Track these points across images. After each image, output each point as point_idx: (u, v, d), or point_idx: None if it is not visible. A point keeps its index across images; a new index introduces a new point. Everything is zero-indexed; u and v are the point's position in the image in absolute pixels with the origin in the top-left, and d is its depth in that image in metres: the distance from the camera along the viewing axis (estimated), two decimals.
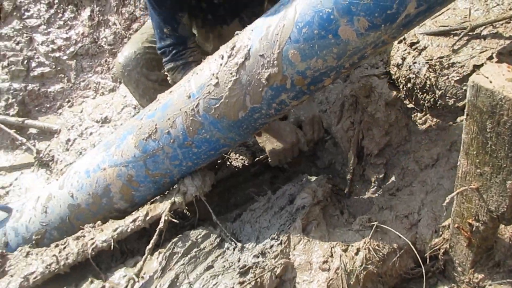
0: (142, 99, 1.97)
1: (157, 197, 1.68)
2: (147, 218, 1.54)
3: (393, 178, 1.64)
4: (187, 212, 1.78)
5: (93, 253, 1.50)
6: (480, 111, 0.88)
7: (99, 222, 1.65)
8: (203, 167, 1.70)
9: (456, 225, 1.18)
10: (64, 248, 1.55)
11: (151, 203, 1.62)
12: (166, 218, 1.49)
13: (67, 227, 1.77)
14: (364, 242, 1.38)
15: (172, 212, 1.53)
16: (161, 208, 1.54)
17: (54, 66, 3.32)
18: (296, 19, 1.19)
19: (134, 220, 1.54)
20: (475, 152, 0.96)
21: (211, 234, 1.55)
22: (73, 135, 2.78)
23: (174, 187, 1.63)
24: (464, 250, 1.22)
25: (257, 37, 1.27)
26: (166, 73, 1.76)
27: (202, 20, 1.86)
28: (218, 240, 1.54)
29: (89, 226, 1.64)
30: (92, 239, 1.54)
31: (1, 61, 3.45)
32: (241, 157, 1.86)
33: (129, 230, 1.53)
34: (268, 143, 1.71)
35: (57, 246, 1.57)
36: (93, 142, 2.69)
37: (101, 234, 1.55)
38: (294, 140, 1.67)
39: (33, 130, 3.19)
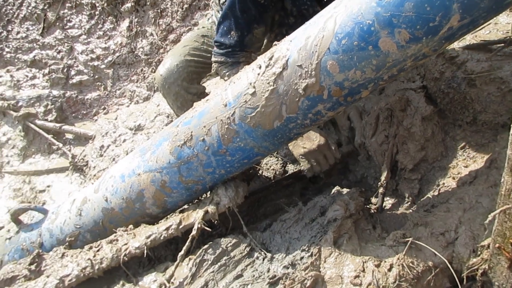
0: (180, 112, 2.00)
1: (187, 206, 1.70)
2: (180, 226, 1.55)
3: (428, 194, 1.60)
4: (215, 221, 1.79)
5: (126, 258, 1.52)
6: None
7: (131, 226, 1.68)
8: (235, 176, 1.72)
9: (497, 245, 1.13)
10: (98, 251, 1.58)
11: (183, 211, 1.64)
12: (199, 225, 1.51)
13: (100, 230, 1.80)
14: (398, 258, 1.34)
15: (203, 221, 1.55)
16: (194, 217, 1.55)
17: (92, 75, 3.45)
18: (336, 30, 1.20)
19: (167, 228, 1.56)
20: None
21: (241, 243, 1.55)
22: (107, 141, 2.86)
23: (206, 195, 1.65)
24: (505, 271, 1.17)
25: (296, 47, 1.28)
26: (212, 60, 1.77)
27: (276, 35, 1.86)
28: (248, 249, 1.53)
29: (122, 229, 1.67)
30: (125, 244, 1.56)
31: (42, 68, 3.61)
32: (272, 167, 1.86)
33: (162, 238, 1.55)
34: (296, 147, 1.71)
35: (91, 248, 1.61)
36: (126, 149, 2.76)
37: (134, 240, 1.56)
38: (321, 142, 1.66)
39: (69, 136, 3.31)
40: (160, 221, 1.82)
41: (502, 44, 1.51)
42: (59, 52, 3.53)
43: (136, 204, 1.69)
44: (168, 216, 1.87)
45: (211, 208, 1.56)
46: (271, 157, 1.90)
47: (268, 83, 1.32)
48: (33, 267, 1.54)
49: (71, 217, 1.86)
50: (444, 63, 1.63)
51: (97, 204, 1.78)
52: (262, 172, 1.86)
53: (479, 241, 1.30)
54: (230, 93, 1.43)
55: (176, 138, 1.56)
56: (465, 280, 1.30)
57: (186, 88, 1.93)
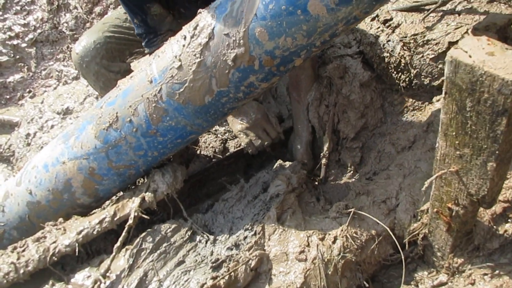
0: (104, 92, 1.84)
1: (123, 193, 1.57)
2: (115, 218, 1.44)
3: (369, 162, 1.59)
4: (154, 208, 1.68)
5: (55, 259, 1.38)
6: (459, 89, 0.82)
7: (61, 220, 1.54)
8: (172, 159, 1.61)
9: (435, 209, 1.13)
10: (23, 251, 1.43)
11: (118, 201, 1.52)
12: (135, 214, 1.40)
13: (27, 226, 1.65)
14: (342, 230, 1.32)
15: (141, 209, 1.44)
16: (130, 207, 1.44)
17: (12, 55, 3.12)
18: None
19: (100, 222, 1.43)
20: (454, 133, 0.90)
21: (182, 228, 1.47)
22: (33, 128, 2.61)
23: (144, 180, 1.53)
24: (444, 234, 1.17)
25: (221, 14, 1.17)
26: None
27: (178, 13, 1.73)
28: (189, 233, 1.46)
29: (51, 224, 1.52)
30: (54, 242, 1.42)
31: None
32: (211, 145, 1.76)
33: (95, 232, 1.42)
34: (234, 123, 1.63)
35: (15, 249, 1.45)
36: (55, 136, 2.54)
37: (64, 237, 1.43)
38: (259, 116, 1.60)
39: None
40: (94, 210, 1.70)
41: (435, 5, 1.49)
42: None
43: (64, 195, 1.55)
44: (103, 206, 1.75)
45: (148, 196, 1.46)
46: (209, 134, 1.80)
47: (195, 55, 1.21)
48: None
49: None
50: (378, 27, 1.59)
51: (21, 198, 1.62)
52: (200, 152, 1.76)
53: (418, 206, 1.30)
54: (155, 68, 1.31)
55: (100, 121, 1.42)
56: (407, 245, 1.31)
57: (107, 66, 1.76)
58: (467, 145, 0.89)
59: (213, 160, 1.78)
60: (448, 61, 0.81)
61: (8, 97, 3.10)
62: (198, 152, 1.75)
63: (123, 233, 1.39)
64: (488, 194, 0.93)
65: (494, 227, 1.15)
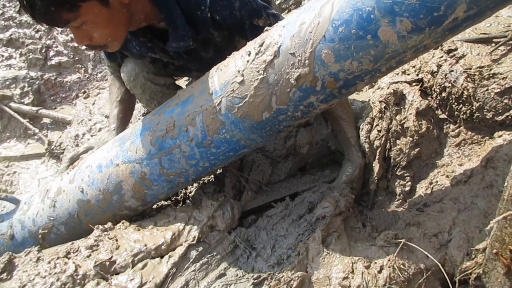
0: (150, 104, 1.90)
1: (180, 209, 1.60)
2: (171, 247, 1.45)
3: (420, 192, 1.55)
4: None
5: (112, 281, 1.38)
6: None
7: (110, 225, 1.56)
8: (226, 192, 1.69)
9: (494, 250, 1.08)
10: (77, 256, 1.45)
11: (173, 221, 1.54)
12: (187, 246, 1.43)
13: (75, 223, 1.70)
14: (389, 260, 1.29)
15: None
16: (186, 238, 1.46)
17: (72, 56, 3.29)
18: (333, 16, 1.11)
19: (156, 248, 1.43)
20: None
21: (225, 240, 1.47)
22: (82, 129, 2.72)
23: (199, 206, 1.56)
24: (500, 277, 1.11)
25: (289, 34, 1.19)
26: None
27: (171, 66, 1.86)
28: (231, 246, 1.46)
29: (100, 229, 1.54)
30: (110, 259, 1.41)
31: (19, 48, 3.43)
32: (260, 167, 1.77)
33: (150, 257, 1.43)
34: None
35: (68, 254, 1.46)
36: (102, 139, 2.63)
37: (119, 256, 1.42)
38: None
39: (46, 120, 3.16)
40: (138, 214, 1.73)
41: (504, 38, 1.45)
42: (37, 31, 3.35)
43: (114, 196, 1.59)
44: (148, 210, 1.78)
45: (203, 233, 1.48)
46: (257, 152, 1.80)
47: (258, 71, 1.23)
48: (4, 275, 1.41)
49: (45, 208, 1.75)
50: (441, 56, 1.56)
51: (72, 196, 1.67)
52: (249, 179, 1.75)
53: (473, 244, 1.25)
54: (217, 81, 1.34)
55: (157, 128, 1.46)
56: (457, 283, 1.25)
57: (153, 79, 1.83)
58: None
59: (265, 189, 1.77)
60: None
61: (63, 95, 3.25)
62: (247, 180, 1.76)
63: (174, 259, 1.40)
64: None
65: None
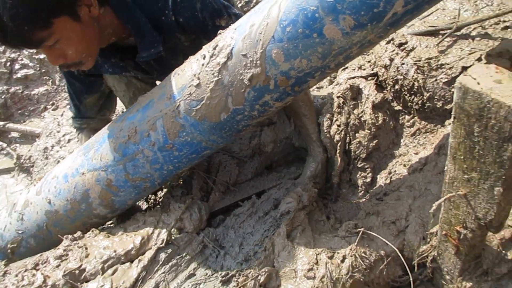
0: (132, 104, 1.91)
1: (148, 214, 1.61)
2: (140, 251, 1.46)
3: (380, 183, 1.60)
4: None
5: (80, 285, 1.39)
6: (468, 114, 0.84)
7: (79, 234, 1.56)
8: (194, 194, 1.72)
9: (444, 232, 1.14)
10: (45, 267, 1.45)
11: (142, 226, 1.55)
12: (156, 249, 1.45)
13: (44, 234, 1.70)
14: (350, 249, 1.33)
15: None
16: (155, 241, 1.48)
17: (38, 68, 3.25)
18: (280, 17, 1.15)
19: (126, 253, 1.44)
20: (462, 157, 0.92)
21: (193, 241, 1.49)
22: (51, 142, 2.69)
23: (168, 209, 1.58)
24: (452, 257, 1.18)
25: (240, 36, 1.22)
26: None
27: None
28: (200, 246, 1.48)
29: (70, 238, 1.54)
30: (79, 268, 1.42)
31: None
32: (227, 168, 1.80)
33: (120, 262, 1.44)
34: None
35: (37, 266, 1.46)
36: (71, 150, 2.61)
37: (89, 263, 1.43)
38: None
39: (15, 134, 3.11)
40: (108, 221, 1.74)
41: (449, 30, 1.52)
42: (0, 45, 3.30)
43: (82, 205, 1.60)
44: (117, 217, 1.79)
45: (174, 233, 1.50)
46: (224, 153, 1.83)
47: (213, 74, 1.26)
48: None
49: (12, 222, 1.74)
50: (393, 50, 1.62)
51: (40, 207, 1.67)
52: (216, 181, 1.78)
53: (428, 228, 1.31)
54: (175, 85, 1.36)
55: (120, 134, 1.48)
56: (416, 267, 1.31)
57: (137, 78, 1.83)
58: (474, 169, 0.91)
59: (233, 189, 1.80)
60: (457, 87, 0.84)
61: (31, 108, 3.21)
62: (214, 181, 1.79)
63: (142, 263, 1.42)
64: (495, 219, 0.94)
65: (503, 252, 1.15)
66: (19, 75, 3.26)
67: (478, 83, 0.80)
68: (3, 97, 3.20)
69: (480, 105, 0.80)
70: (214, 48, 1.28)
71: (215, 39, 1.32)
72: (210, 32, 1.50)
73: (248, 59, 1.21)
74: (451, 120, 0.88)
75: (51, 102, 3.19)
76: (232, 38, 1.25)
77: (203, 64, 1.30)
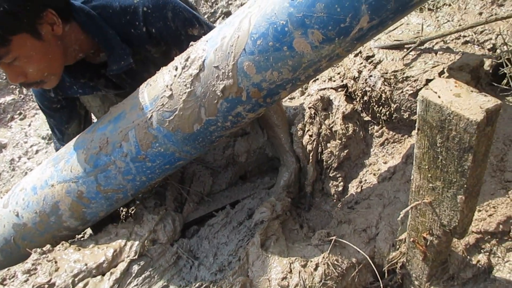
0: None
1: (120, 227, 1.59)
2: (112, 264, 1.44)
3: (351, 191, 1.64)
4: None
5: None
6: (430, 126, 0.88)
7: (49, 247, 1.52)
8: (167, 205, 1.71)
9: (411, 239, 1.17)
10: (13, 281, 1.41)
11: (114, 238, 1.53)
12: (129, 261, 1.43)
13: (12, 248, 1.65)
14: (323, 257, 1.36)
15: None
16: (128, 253, 1.46)
17: (5, 77, 3.16)
18: (251, 30, 1.17)
19: (97, 266, 1.42)
20: (427, 167, 0.96)
21: (167, 252, 1.49)
22: (18, 153, 2.63)
23: (141, 221, 1.56)
24: (420, 263, 1.22)
25: (212, 48, 1.24)
26: None
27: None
28: (174, 258, 1.48)
29: (39, 252, 1.50)
30: (49, 282, 1.38)
31: None
32: (200, 179, 1.80)
33: (91, 276, 1.41)
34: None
35: (4, 281, 1.43)
36: (40, 162, 2.54)
37: (59, 277, 1.39)
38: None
39: None
40: (79, 234, 1.71)
41: (413, 44, 1.58)
42: None
43: (51, 217, 1.56)
44: (89, 230, 1.76)
45: (147, 245, 1.49)
46: (197, 164, 1.84)
47: (185, 85, 1.27)
48: None
49: None
50: (361, 62, 1.67)
51: (7, 220, 1.63)
52: (190, 191, 1.78)
53: (397, 235, 1.35)
54: (147, 96, 1.36)
55: (91, 145, 1.46)
56: (386, 274, 1.34)
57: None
58: (438, 178, 0.95)
59: (207, 199, 1.80)
60: (419, 100, 0.87)
61: None
62: (189, 192, 1.79)
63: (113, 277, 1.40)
64: (459, 225, 0.98)
65: (468, 257, 1.20)
66: None
67: (439, 97, 0.84)
68: None
69: (441, 117, 0.84)
70: (186, 60, 1.29)
71: (187, 51, 1.33)
72: (183, 42, 1.50)
73: (220, 71, 1.23)
74: (415, 131, 0.92)
75: (18, 112, 3.10)
76: (204, 50, 1.27)
77: (175, 75, 1.31)
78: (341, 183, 1.67)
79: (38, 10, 1.28)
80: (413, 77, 1.50)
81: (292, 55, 1.16)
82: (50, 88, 1.50)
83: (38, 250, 1.53)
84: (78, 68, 1.57)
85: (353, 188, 1.64)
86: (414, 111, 1.52)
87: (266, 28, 1.15)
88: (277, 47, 1.15)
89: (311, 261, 1.37)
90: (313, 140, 1.69)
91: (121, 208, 1.96)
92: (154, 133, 1.35)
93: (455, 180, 0.90)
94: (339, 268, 1.36)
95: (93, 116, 1.95)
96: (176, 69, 1.31)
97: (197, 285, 1.37)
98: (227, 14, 3.06)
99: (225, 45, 1.22)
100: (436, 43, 1.56)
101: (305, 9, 1.09)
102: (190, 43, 1.33)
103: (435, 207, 1.01)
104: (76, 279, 1.41)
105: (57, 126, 1.84)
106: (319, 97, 1.70)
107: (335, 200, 1.67)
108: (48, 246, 1.55)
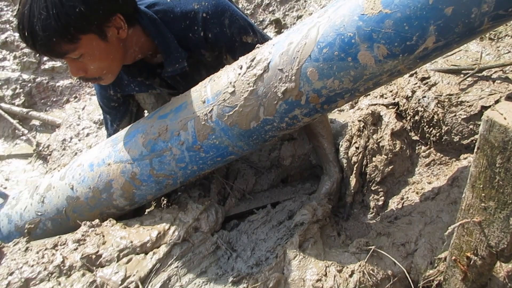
0: (155, 108, 1.98)
1: (166, 210, 1.67)
2: (155, 245, 1.52)
3: (392, 207, 1.66)
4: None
5: (96, 273, 1.44)
6: (491, 146, 0.91)
7: (97, 222, 1.63)
8: (211, 196, 1.78)
9: (453, 257, 1.19)
10: (64, 249, 1.50)
11: (159, 221, 1.61)
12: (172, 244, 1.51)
13: (62, 219, 1.76)
14: (359, 265, 1.38)
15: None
16: (171, 237, 1.54)
17: (65, 62, 3.35)
18: (318, 39, 1.23)
19: (142, 245, 1.50)
20: (481, 186, 0.99)
21: (207, 241, 1.55)
22: (70, 134, 2.78)
23: (185, 210, 1.64)
24: (458, 283, 1.22)
25: (278, 51, 1.31)
26: None
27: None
28: (213, 247, 1.54)
29: (88, 225, 1.61)
30: (96, 253, 1.48)
31: (14, 51, 3.49)
32: (244, 176, 1.87)
33: (135, 253, 1.50)
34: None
35: (55, 246, 1.52)
36: (90, 144, 2.68)
37: (106, 250, 1.49)
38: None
39: (36, 122, 3.20)
40: (123, 214, 1.79)
41: (471, 71, 1.60)
42: None
43: (103, 194, 1.66)
44: (137, 209, 1.85)
45: (189, 232, 1.56)
46: (242, 162, 1.90)
47: (248, 83, 1.34)
48: None
49: (33, 203, 1.80)
50: (416, 83, 1.70)
51: (62, 192, 1.74)
52: (233, 187, 1.85)
53: (437, 253, 1.36)
54: (210, 90, 1.44)
55: (150, 131, 1.55)
56: None
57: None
58: (492, 199, 0.97)
59: (248, 197, 1.87)
60: (484, 120, 0.91)
61: (54, 99, 3.31)
62: (232, 188, 1.86)
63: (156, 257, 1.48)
64: (508, 248, 0.99)
65: (509, 284, 1.20)
66: (46, 66, 3.37)
67: (505, 118, 0.87)
68: (29, 85, 3.30)
69: (505, 138, 0.86)
70: (252, 60, 1.37)
71: (253, 52, 1.41)
72: (237, 48, 1.59)
73: (283, 74, 1.29)
74: (475, 150, 0.95)
75: (74, 95, 3.28)
76: (270, 52, 1.34)
77: (239, 74, 1.38)
78: (382, 198, 1.69)
79: (109, 15, 1.39)
80: (468, 102, 1.52)
81: (355, 66, 1.21)
82: (106, 84, 1.62)
83: (88, 223, 1.63)
84: (136, 67, 1.69)
85: (393, 203, 1.66)
86: (465, 135, 1.54)
87: (334, 38, 1.21)
88: (341, 57, 1.21)
89: (347, 267, 1.40)
90: (359, 153, 1.72)
91: (162, 198, 2.04)
92: (212, 126, 1.43)
93: (510, 201, 0.92)
94: (374, 278, 1.38)
95: (145, 113, 2.07)
96: (241, 68, 1.38)
97: (234, 275, 1.42)
98: (277, 22, 3.12)
99: (292, 50, 1.28)
100: (495, 71, 1.58)
101: (374, 24, 1.14)
102: (256, 45, 1.41)
103: (484, 227, 1.03)
104: (121, 254, 1.49)
105: (111, 122, 1.99)
106: (370, 112, 1.74)
107: (374, 213, 1.70)
108: (96, 220, 1.64)
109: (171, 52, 1.57)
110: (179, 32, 1.56)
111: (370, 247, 1.41)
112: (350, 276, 1.37)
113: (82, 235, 1.57)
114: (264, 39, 1.61)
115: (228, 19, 1.54)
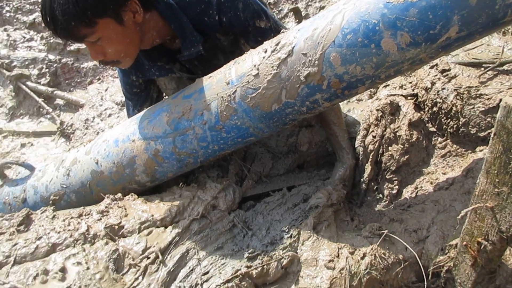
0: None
1: (185, 192, 1.71)
2: (175, 220, 1.58)
3: (405, 195, 1.69)
4: None
5: (119, 243, 1.50)
6: (508, 132, 0.94)
7: (120, 196, 1.69)
8: (229, 176, 1.83)
9: (464, 243, 1.22)
10: (88, 218, 1.58)
11: (178, 198, 1.67)
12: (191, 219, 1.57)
13: (86, 192, 1.83)
14: (372, 248, 1.43)
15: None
16: (190, 213, 1.60)
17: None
18: (343, 25, 1.27)
19: (162, 219, 1.56)
20: (496, 171, 1.02)
21: (224, 218, 1.61)
22: (93, 114, 2.86)
23: (202, 189, 1.70)
24: (468, 269, 1.26)
25: (303, 36, 1.35)
26: None
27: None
28: (230, 225, 1.60)
29: (111, 198, 1.67)
30: (119, 224, 1.55)
31: (41, 32, 3.59)
32: (261, 160, 1.92)
33: (155, 226, 1.56)
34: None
35: (80, 216, 1.59)
36: (112, 124, 2.76)
37: (128, 222, 1.55)
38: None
39: (60, 101, 3.30)
40: (144, 190, 1.86)
41: (492, 64, 1.61)
42: None
43: (127, 169, 1.73)
44: (157, 186, 1.91)
45: (207, 210, 1.62)
46: (260, 146, 1.95)
47: (272, 67, 1.39)
48: (22, 227, 1.54)
49: (59, 176, 1.88)
50: (436, 75, 1.72)
51: (87, 166, 1.81)
52: (251, 169, 1.91)
53: (448, 240, 1.40)
54: (234, 72, 1.49)
55: (175, 110, 1.61)
56: (430, 275, 1.39)
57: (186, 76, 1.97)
58: (506, 184, 1.00)
59: (265, 180, 1.93)
60: (502, 106, 0.94)
61: (78, 80, 3.40)
62: (249, 170, 1.92)
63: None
64: None
65: None
66: (72, 48, 3.47)
67: None
68: (54, 66, 3.40)
69: None
70: (277, 44, 1.41)
71: (278, 37, 1.45)
72: (250, 32, 1.63)
73: (307, 58, 1.33)
74: (491, 136, 0.98)
75: (97, 77, 3.37)
76: (295, 37, 1.38)
77: (264, 57, 1.43)
78: (396, 187, 1.73)
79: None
80: (487, 95, 1.54)
81: (378, 53, 1.24)
82: (125, 68, 1.69)
83: (111, 196, 1.70)
84: (156, 52, 1.75)
85: (407, 192, 1.69)
86: (483, 128, 1.56)
87: (358, 24, 1.24)
88: (365, 44, 1.24)
89: (359, 250, 1.44)
90: (376, 141, 1.76)
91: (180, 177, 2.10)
92: (235, 107, 1.48)
93: None
94: (385, 262, 1.42)
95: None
96: (266, 51, 1.42)
97: (249, 251, 1.47)
98: (296, 12, 3.13)
99: (316, 35, 1.32)
100: None
101: (399, 12, 1.18)
102: (282, 30, 1.45)
103: (496, 212, 1.06)
104: (142, 226, 1.56)
105: (133, 108, 2.07)
106: (389, 102, 1.77)
107: (387, 202, 1.73)
108: (119, 194, 1.72)
109: (187, 36, 1.62)
110: (195, 16, 1.61)
111: (383, 231, 1.45)
112: (362, 258, 1.41)
113: (106, 207, 1.64)
114: (277, 25, 1.65)
115: (242, 3, 1.58)
